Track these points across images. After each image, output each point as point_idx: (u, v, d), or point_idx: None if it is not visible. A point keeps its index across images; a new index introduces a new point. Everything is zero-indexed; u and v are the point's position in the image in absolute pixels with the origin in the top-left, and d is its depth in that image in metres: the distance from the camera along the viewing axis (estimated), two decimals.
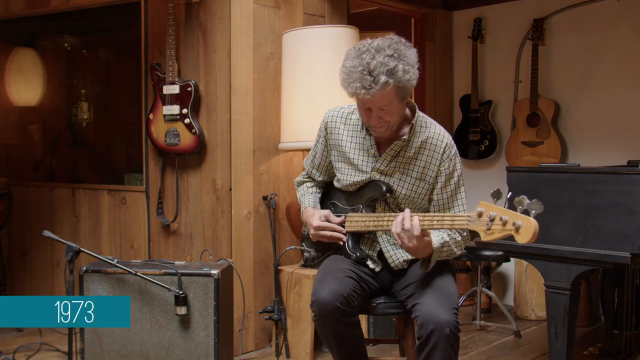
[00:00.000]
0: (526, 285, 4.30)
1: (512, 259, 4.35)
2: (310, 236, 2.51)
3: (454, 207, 2.40)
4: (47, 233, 2.76)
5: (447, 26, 5.02)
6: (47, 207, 4.22)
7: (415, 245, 2.16)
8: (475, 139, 4.82)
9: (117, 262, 2.86)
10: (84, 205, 4.08)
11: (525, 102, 4.54)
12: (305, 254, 2.64)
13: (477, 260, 4.12)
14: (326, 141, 2.52)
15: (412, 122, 2.35)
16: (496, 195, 1.97)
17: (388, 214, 2.31)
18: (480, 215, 1.97)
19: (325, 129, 2.51)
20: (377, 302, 2.43)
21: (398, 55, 2.17)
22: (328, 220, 2.45)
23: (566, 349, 2.75)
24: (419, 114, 2.39)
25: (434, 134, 2.37)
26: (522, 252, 2.83)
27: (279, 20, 3.76)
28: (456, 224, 2.07)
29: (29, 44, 4.64)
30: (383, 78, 2.13)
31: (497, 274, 4.75)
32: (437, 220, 2.12)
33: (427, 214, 2.17)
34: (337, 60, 3.40)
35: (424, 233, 2.17)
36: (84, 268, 2.94)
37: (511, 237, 1.93)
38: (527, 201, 1.89)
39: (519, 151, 4.56)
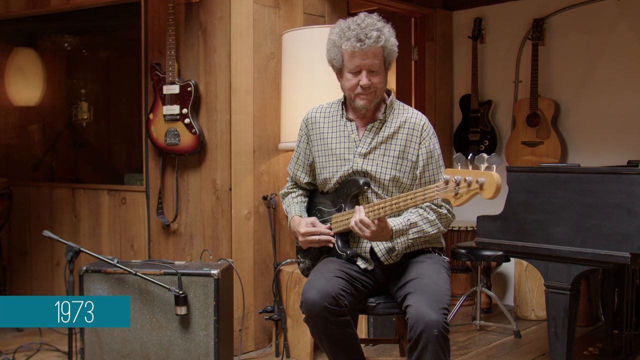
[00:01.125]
0: (526, 285, 4.30)
1: (512, 259, 4.35)
2: (300, 244, 2.53)
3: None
4: (47, 233, 2.77)
5: (447, 26, 5.02)
6: (47, 207, 4.22)
7: (372, 232, 2.24)
8: (475, 139, 4.82)
9: (117, 262, 2.86)
10: (84, 205, 4.08)
11: (525, 102, 4.54)
12: (300, 264, 2.66)
13: (477, 260, 4.12)
14: (308, 138, 2.59)
15: (387, 102, 2.46)
16: (458, 159, 1.98)
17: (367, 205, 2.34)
18: (447, 182, 2.00)
19: (306, 126, 2.60)
20: (377, 302, 2.43)
21: (382, 22, 2.38)
22: (314, 225, 2.48)
23: (566, 349, 2.75)
24: (394, 97, 2.50)
25: (411, 115, 2.47)
26: (522, 252, 2.83)
27: (279, 20, 3.76)
28: (427, 196, 2.12)
29: (29, 44, 4.64)
30: (375, 33, 2.32)
31: (497, 274, 4.75)
32: (411, 199, 2.17)
33: (401, 195, 2.21)
34: None
35: (380, 220, 2.24)
36: (84, 268, 2.94)
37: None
38: (487, 156, 1.92)
39: (519, 151, 4.56)
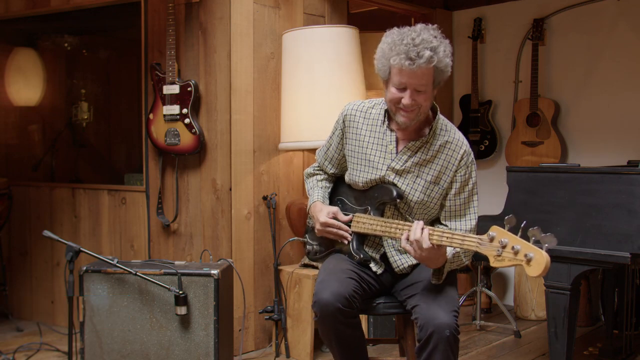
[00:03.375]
0: (526, 285, 4.30)
1: None
2: (316, 231, 2.49)
3: (465, 215, 2.36)
4: (47, 233, 2.77)
5: (447, 26, 5.01)
6: (47, 207, 4.22)
7: (426, 254, 2.13)
8: (475, 139, 4.82)
9: (117, 262, 2.86)
10: (84, 205, 4.08)
11: (525, 102, 4.54)
12: (308, 246, 2.62)
13: (477, 260, 4.12)
14: (343, 134, 2.47)
15: (433, 123, 2.33)
16: (509, 221, 1.91)
17: (397, 221, 2.28)
18: (492, 239, 1.94)
19: (344, 121, 2.46)
20: (377, 302, 2.42)
21: (439, 39, 2.19)
22: (335, 218, 2.43)
23: (566, 349, 2.75)
24: (440, 116, 2.36)
25: (454, 139, 2.34)
26: None
27: (279, 20, 3.76)
28: (466, 244, 2.04)
29: (29, 44, 4.64)
30: (427, 52, 2.13)
31: (497, 274, 4.75)
32: (447, 238, 2.08)
33: (437, 228, 2.14)
34: (337, 60, 3.44)
35: (440, 246, 2.13)
36: (84, 268, 2.94)
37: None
38: (542, 234, 1.84)
39: (519, 151, 4.56)
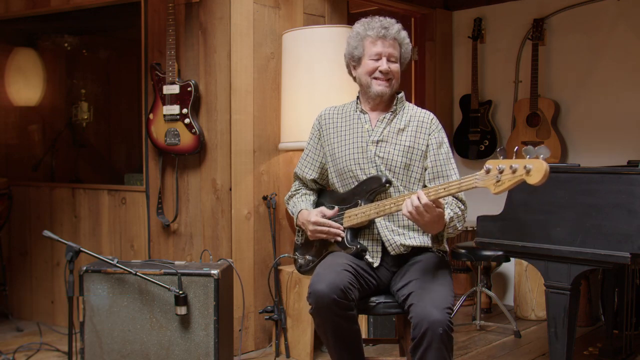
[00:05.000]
0: (526, 285, 4.31)
1: (512, 259, 4.35)
2: (309, 234, 2.53)
3: (449, 175, 2.50)
4: (47, 233, 2.77)
5: (447, 26, 5.02)
6: (47, 207, 4.22)
7: (429, 217, 2.22)
8: (475, 139, 4.82)
9: (117, 262, 2.86)
10: (84, 205, 4.08)
11: (525, 102, 4.54)
12: (299, 260, 2.65)
13: (477, 260, 4.12)
14: (320, 134, 2.65)
15: (397, 96, 2.57)
16: (503, 152, 1.99)
17: (389, 199, 2.37)
18: (488, 171, 2.00)
19: (319, 123, 2.66)
20: (377, 302, 2.43)
21: (401, 26, 2.55)
22: (324, 215, 2.50)
23: (566, 349, 2.75)
24: (404, 96, 2.63)
25: (420, 110, 2.60)
26: (522, 252, 2.83)
27: (279, 20, 3.76)
28: (464, 186, 2.11)
29: (29, 44, 4.64)
30: (397, 26, 2.52)
31: (497, 274, 4.75)
32: (444, 189, 2.17)
33: (430, 187, 2.25)
34: (337, 60, 3.42)
35: (436, 203, 2.22)
36: (84, 268, 2.94)
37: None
38: (534, 148, 1.92)
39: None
